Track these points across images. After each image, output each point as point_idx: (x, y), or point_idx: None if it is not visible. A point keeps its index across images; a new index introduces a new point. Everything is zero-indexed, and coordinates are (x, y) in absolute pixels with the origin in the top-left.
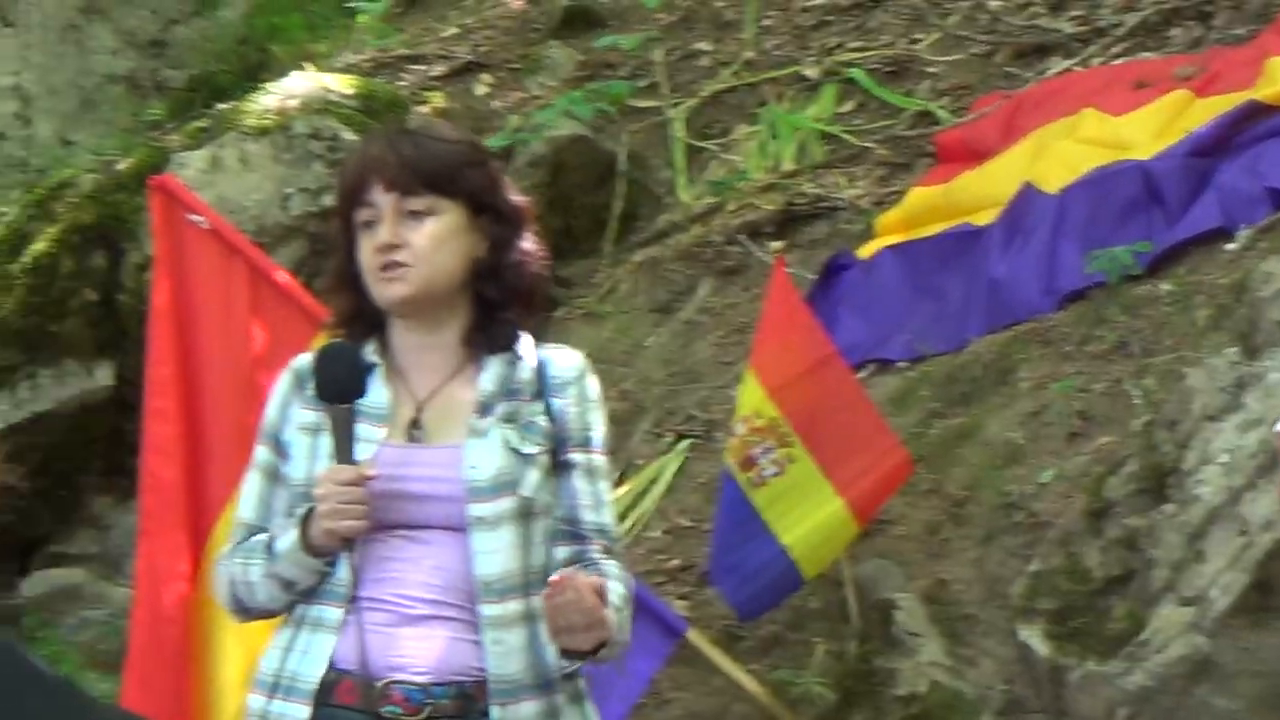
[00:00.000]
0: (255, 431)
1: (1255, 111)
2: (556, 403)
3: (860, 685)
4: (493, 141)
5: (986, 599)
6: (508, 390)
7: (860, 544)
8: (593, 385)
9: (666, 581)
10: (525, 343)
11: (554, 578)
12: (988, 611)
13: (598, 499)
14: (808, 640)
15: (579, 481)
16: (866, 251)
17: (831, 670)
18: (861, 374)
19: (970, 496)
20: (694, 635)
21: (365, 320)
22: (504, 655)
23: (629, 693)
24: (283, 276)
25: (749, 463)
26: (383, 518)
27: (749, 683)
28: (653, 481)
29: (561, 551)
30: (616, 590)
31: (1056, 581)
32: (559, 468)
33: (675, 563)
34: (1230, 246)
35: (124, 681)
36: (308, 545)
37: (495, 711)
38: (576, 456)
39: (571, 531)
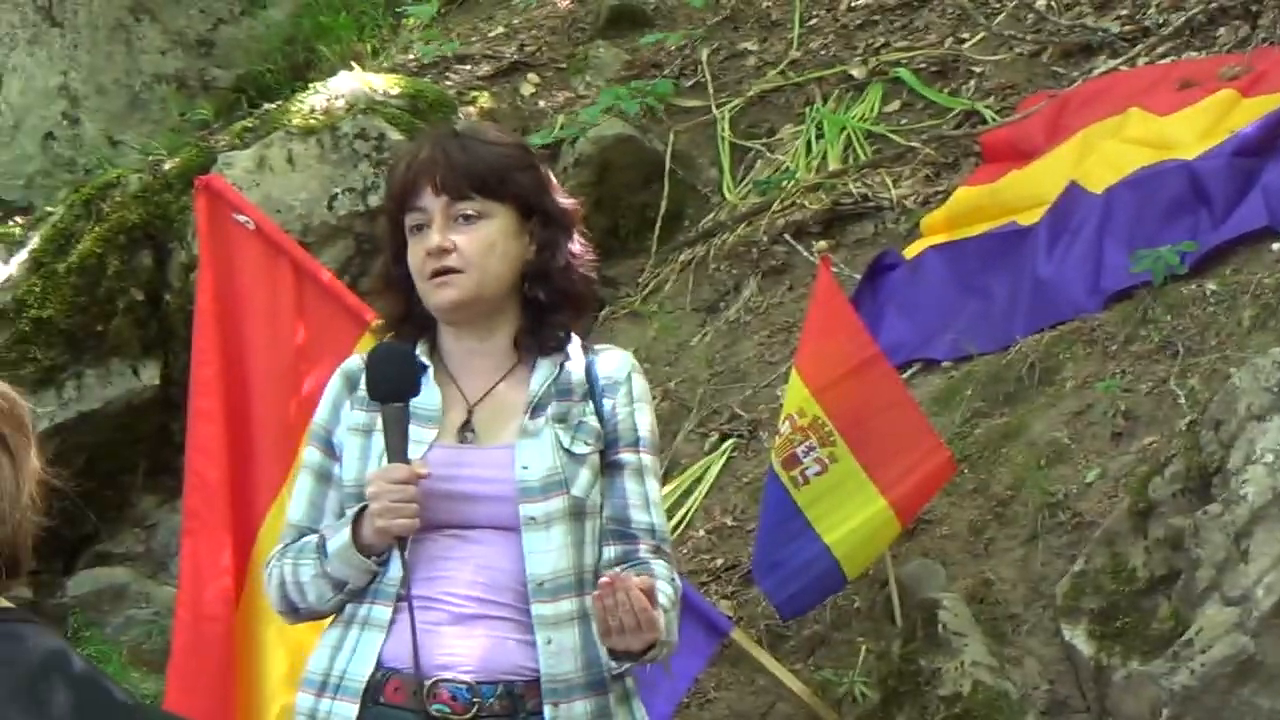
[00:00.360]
0: (300, 431)
1: None
2: (606, 403)
3: (904, 685)
4: (537, 139)
5: (1031, 599)
6: (558, 391)
7: (904, 543)
8: (641, 385)
9: (710, 581)
10: (574, 344)
11: (604, 578)
12: (1032, 611)
13: (647, 499)
14: (852, 640)
15: (629, 481)
16: (912, 251)
17: (875, 670)
18: (906, 374)
19: (1014, 496)
20: (738, 634)
21: (414, 322)
22: (557, 655)
23: (673, 692)
24: (328, 277)
25: (793, 461)
26: (434, 518)
27: (793, 682)
28: (697, 481)
29: (610, 551)
30: (665, 591)
31: (1101, 581)
32: (608, 467)
33: (719, 562)
34: (1276, 246)
35: (167, 681)
36: (359, 544)
37: (549, 711)
38: (626, 456)
39: (621, 531)
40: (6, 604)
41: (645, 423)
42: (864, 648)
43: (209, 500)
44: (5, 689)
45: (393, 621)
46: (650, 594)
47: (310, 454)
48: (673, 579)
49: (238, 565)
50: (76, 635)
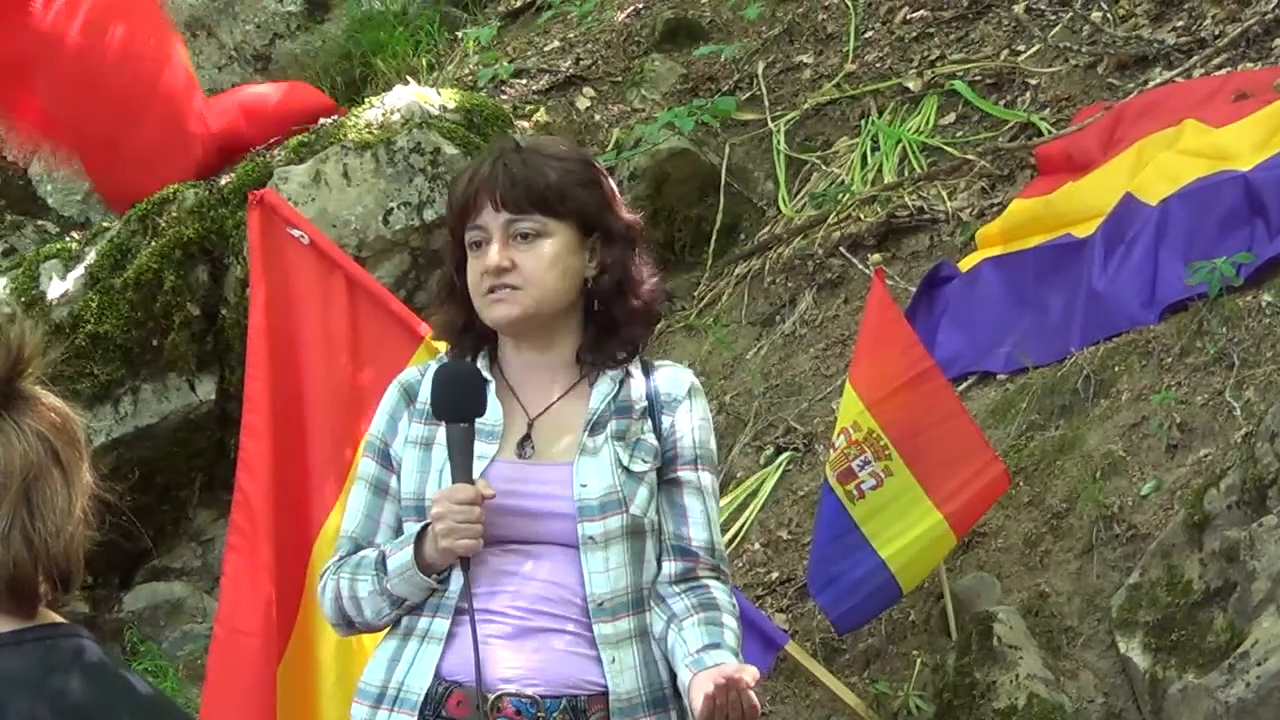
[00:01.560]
0: (354, 447)
1: None
2: (665, 420)
3: (959, 698)
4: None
5: (1086, 611)
6: (617, 408)
7: (959, 556)
8: (701, 403)
9: (766, 594)
10: (635, 361)
11: (719, 678)
12: (1087, 624)
13: (707, 516)
14: (907, 653)
15: (688, 498)
16: (967, 264)
17: (931, 683)
18: (962, 386)
19: (1070, 509)
20: (793, 648)
21: (475, 333)
22: (620, 673)
23: None
24: (382, 291)
25: (848, 475)
26: (494, 533)
27: (848, 695)
28: (753, 494)
29: (669, 567)
30: (731, 627)
31: (1156, 594)
32: (667, 484)
33: (774, 575)
34: None
35: (203, 695)
36: (421, 563)
37: None
38: (686, 474)
39: (681, 548)
40: (58, 619)
41: (705, 440)
42: (919, 661)
43: (251, 516)
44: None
45: (451, 635)
46: (754, 679)
47: (366, 465)
48: (734, 605)
49: (289, 581)
50: (133, 650)
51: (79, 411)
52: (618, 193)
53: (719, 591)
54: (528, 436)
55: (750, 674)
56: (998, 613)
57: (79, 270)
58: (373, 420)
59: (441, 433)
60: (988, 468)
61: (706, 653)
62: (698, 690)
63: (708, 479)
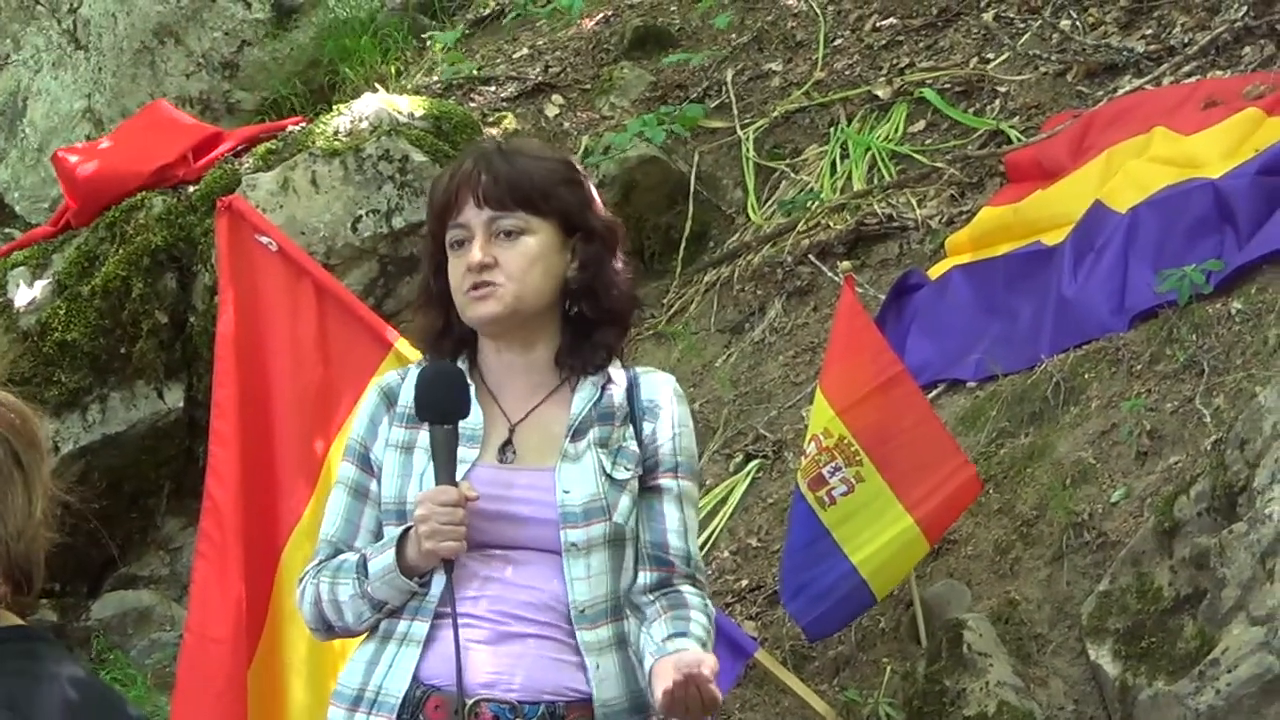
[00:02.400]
0: (323, 454)
1: None
2: (647, 426)
3: (929, 706)
4: None
5: (1056, 619)
6: (600, 414)
7: (929, 564)
8: (684, 409)
9: (735, 602)
10: (615, 365)
11: (678, 675)
12: (1057, 631)
13: (685, 525)
14: (877, 660)
15: (668, 506)
16: (936, 271)
17: (900, 691)
18: (932, 394)
19: (1040, 516)
20: (763, 655)
21: (453, 337)
22: (603, 681)
23: None
24: (350, 298)
25: (819, 482)
26: (477, 537)
27: (818, 703)
28: (722, 501)
29: (645, 576)
30: (701, 622)
31: (1126, 601)
32: (647, 491)
33: (744, 583)
34: None
35: (172, 702)
36: (404, 566)
37: None
38: (666, 482)
39: (658, 557)
40: (18, 620)
41: (686, 448)
42: (889, 668)
43: (220, 523)
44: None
45: (431, 638)
46: (714, 672)
47: (346, 469)
48: (706, 606)
49: (257, 587)
50: (100, 658)
51: (46, 419)
52: (596, 195)
53: (691, 595)
54: (509, 441)
55: (709, 664)
56: (968, 620)
57: (47, 278)
58: (353, 424)
59: (423, 436)
60: (959, 471)
61: (668, 642)
62: (657, 680)
63: (687, 486)
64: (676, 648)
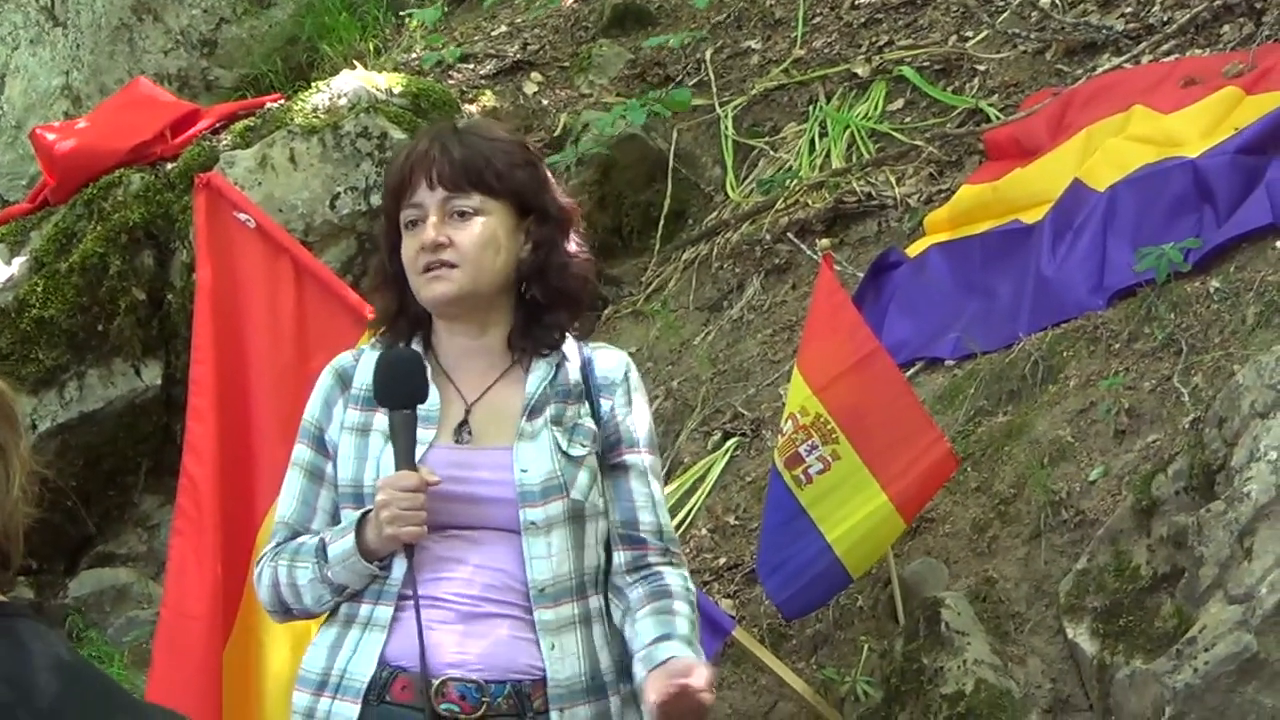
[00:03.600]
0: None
1: None
2: (604, 403)
3: (907, 684)
4: (558, 159)
5: (1034, 597)
6: (555, 393)
7: (907, 542)
8: (638, 384)
9: (713, 580)
10: (570, 344)
11: (673, 685)
12: (1035, 610)
13: (653, 500)
14: (854, 639)
15: (634, 483)
16: (915, 249)
17: (878, 669)
18: (909, 372)
19: (1018, 494)
20: (740, 634)
21: (408, 318)
22: (560, 660)
23: None
24: (328, 275)
25: (796, 460)
26: (435, 519)
27: (795, 681)
28: (700, 480)
29: (620, 556)
30: (685, 614)
31: (1104, 579)
32: (612, 469)
33: (722, 561)
34: None
35: (148, 679)
36: (364, 550)
37: (554, 716)
38: (630, 458)
39: (630, 535)
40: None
41: (644, 423)
42: (866, 646)
43: (198, 500)
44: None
45: (394, 621)
46: (710, 683)
47: (301, 451)
48: (687, 587)
49: (234, 565)
50: (78, 636)
51: (24, 396)
52: (551, 177)
53: (672, 577)
54: (464, 422)
55: (701, 674)
56: (945, 598)
57: (24, 255)
58: (307, 405)
59: (379, 419)
60: (933, 448)
61: (657, 646)
62: (651, 691)
63: (651, 460)
64: (667, 654)
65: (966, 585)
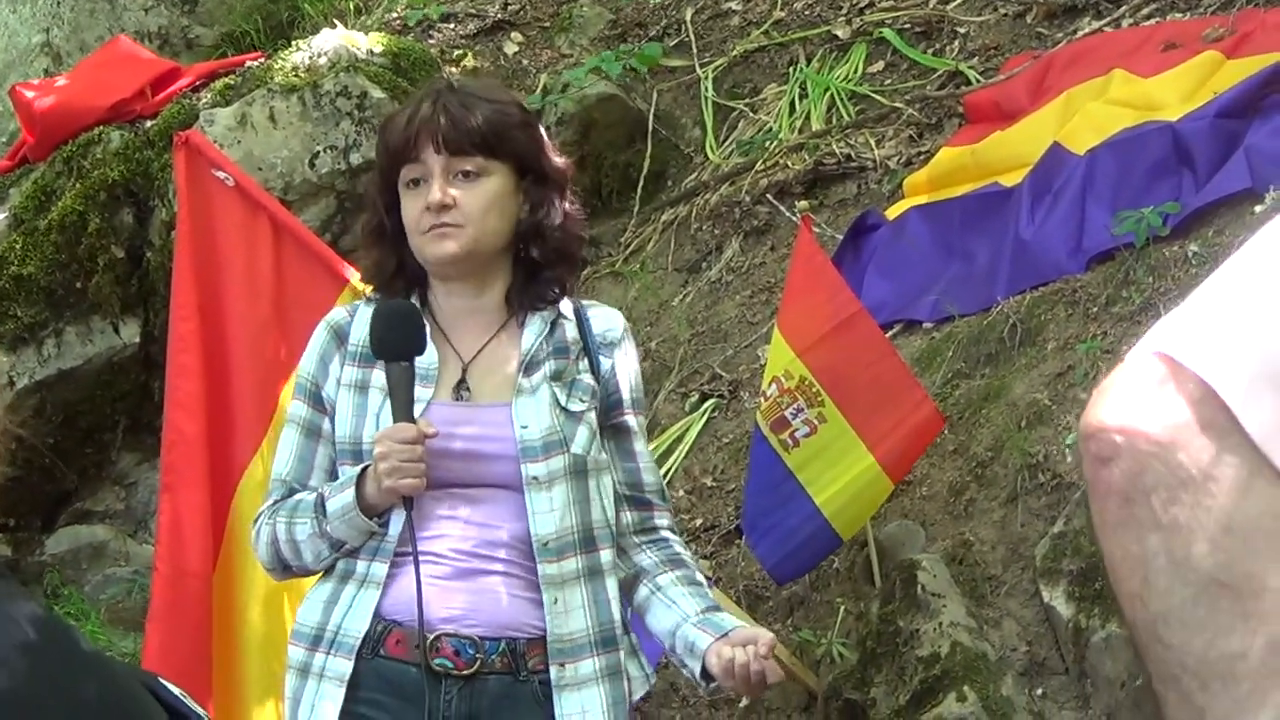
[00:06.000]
0: (277, 387)
1: None
2: (604, 361)
3: (882, 646)
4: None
5: (1010, 560)
6: (553, 349)
7: (884, 505)
8: (633, 344)
9: (690, 541)
10: (565, 301)
11: (751, 657)
12: (1011, 573)
13: (651, 460)
14: (830, 601)
15: (636, 444)
16: (894, 212)
17: (854, 631)
18: (888, 334)
19: (995, 457)
20: (717, 595)
21: (405, 277)
22: (562, 614)
23: (653, 652)
24: (307, 233)
25: (782, 424)
26: (435, 476)
27: None
28: (677, 441)
29: (628, 517)
30: (706, 580)
31: (1080, 543)
32: (614, 429)
33: (699, 522)
34: (1259, 208)
35: (146, 637)
36: (363, 504)
37: (555, 672)
38: (630, 420)
39: (636, 497)
40: None
41: (640, 384)
42: (843, 608)
43: (187, 456)
44: None
45: (390, 578)
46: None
47: (297, 408)
48: (688, 558)
49: (216, 521)
50: (55, 593)
51: (1, 353)
52: (546, 138)
53: (679, 545)
54: (463, 380)
55: (767, 640)
56: (921, 561)
57: (3, 211)
58: (303, 361)
59: (377, 375)
60: (919, 408)
61: (711, 615)
62: (723, 653)
63: (643, 421)
64: (731, 624)
65: (943, 548)
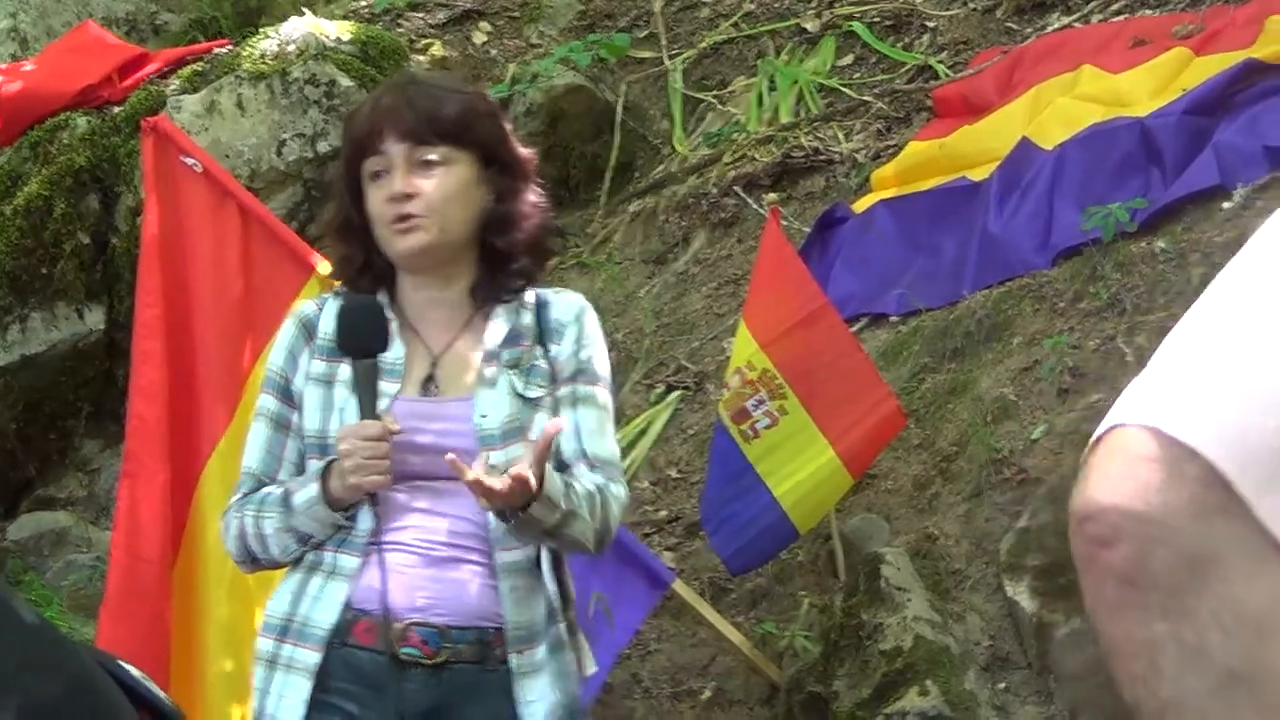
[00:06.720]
0: (243, 375)
1: (1254, 70)
2: (554, 346)
3: (846, 639)
4: (493, 92)
5: (974, 555)
6: (509, 336)
7: (848, 498)
8: (592, 322)
9: (654, 533)
10: (528, 290)
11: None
12: (975, 567)
13: (589, 427)
14: (794, 594)
15: (562, 410)
16: (862, 205)
17: (817, 624)
18: (854, 328)
19: (960, 452)
20: (680, 587)
21: (373, 272)
22: (520, 601)
23: (615, 643)
24: (274, 221)
25: (743, 415)
26: (400, 470)
27: (734, 635)
28: (642, 432)
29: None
30: (592, 483)
31: (1044, 538)
32: (554, 404)
33: (663, 514)
34: (1227, 205)
35: (100, 623)
36: (329, 499)
37: (514, 659)
38: (562, 390)
39: (560, 463)
40: None
41: (595, 358)
42: (806, 601)
43: (148, 443)
44: None
45: (362, 568)
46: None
47: (266, 401)
48: (610, 487)
49: (178, 509)
50: (16, 580)
51: None
52: (510, 128)
53: (596, 477)
54: (431, 375)
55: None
56: (886, 554)
57: None
58: (271, 354)
59: (343, 370)
60: (881, 405)
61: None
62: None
63: (586, 390)
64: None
65: (907, 541)
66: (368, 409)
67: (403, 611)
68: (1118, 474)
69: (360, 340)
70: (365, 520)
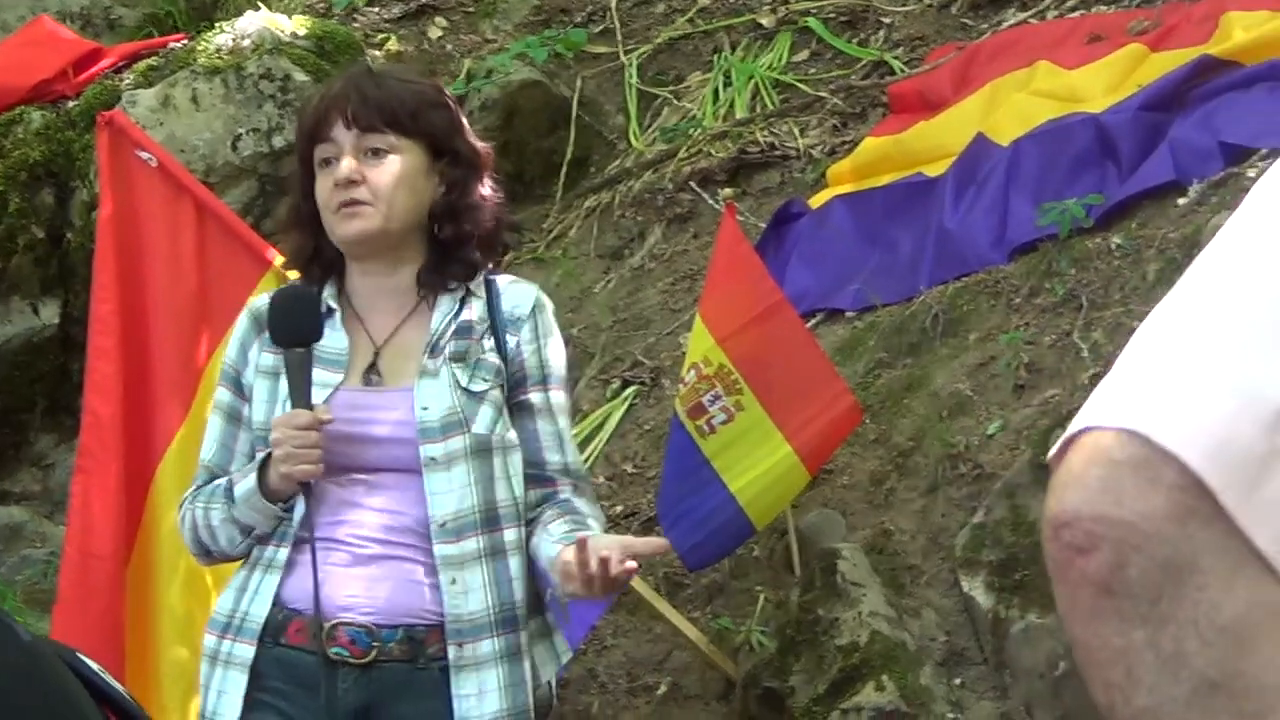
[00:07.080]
0: (199, 370)
1: (1209, 66)
2: (510, 339)
3: (801, 634)
4: (450, 88)
5: (930, 550)
6: (458, 329)
7: (805, 493)
8: (547, 320)
9: (610, 528)
10: (478, 280)
11: (593, 557)
12: (931, 562)
13: (559, 437)
14: (750, 589)
15: (539, 421)
16: (817, 201)
17: (773, 619)
18: (810, 323)
19: (916, 447)
20: (636, 582)
21: (322, 261)
22: (461, 595)
23: (571, 638)
24: (230, 215)
25: (699, 411)
26: (337, 461)
27: (690, 630)
28: (598, 428)
29: (531, 495)
30: (599, 519)
31: (1000, 533)
32: (517, 408)
33: (619, 509)
34: (1182, 201)
35: (53, 619)
36: (266, 490)
37: (453, 652)
38: (534, 396)
39: (537, 475)
40: None
41: (553, 358)
42: (762, 597)
43: (102, 439)
44: None
45: (291, 563)
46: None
47: (221, 394)
48: (596, 513)
49: (132, 505)
50: None
51: None
52: (465, 120)
53: (582, 503)
54: (374, 365)
55: (620, 546)
56: (842, 550)
57: None
58: (226, 348)
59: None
60: (838, 400)
61: (579, 531)
62: (563, 555)
63: (557, 398)
64: (584, 534)
65: (863, 537)
66: (299, 398)
67: (332, 611)
68: (1093, 479)
69: (291, 329)
70: (299, 512)
